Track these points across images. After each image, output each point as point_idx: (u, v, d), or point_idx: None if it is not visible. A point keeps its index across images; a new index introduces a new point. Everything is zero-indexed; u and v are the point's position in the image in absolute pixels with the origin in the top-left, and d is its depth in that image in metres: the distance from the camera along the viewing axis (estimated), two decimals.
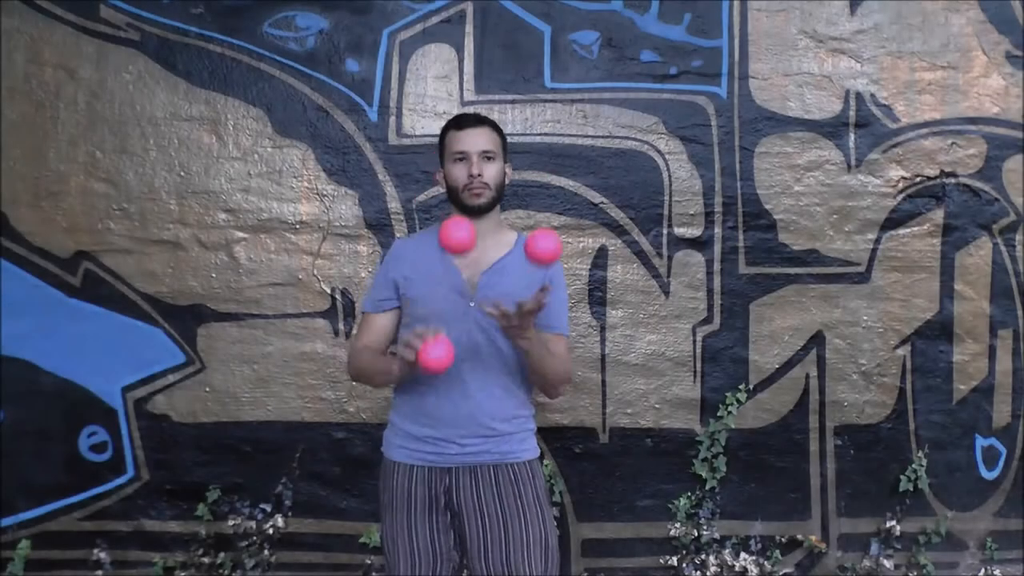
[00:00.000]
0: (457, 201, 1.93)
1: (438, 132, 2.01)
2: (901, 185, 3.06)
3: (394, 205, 2.98)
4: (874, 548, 3.07)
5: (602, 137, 3.01)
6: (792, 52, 3.04)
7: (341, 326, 2.97)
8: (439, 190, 1.97)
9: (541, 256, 1.70)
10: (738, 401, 3.00)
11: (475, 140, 1.90)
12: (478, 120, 1.95)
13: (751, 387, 3.03)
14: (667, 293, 3.02)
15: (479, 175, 1.88)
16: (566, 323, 1.97)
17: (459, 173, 1.90)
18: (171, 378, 2.96)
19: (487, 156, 1.91)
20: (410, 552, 1.88)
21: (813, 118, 3.04)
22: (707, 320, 3.03)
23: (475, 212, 1.91)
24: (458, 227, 1.70)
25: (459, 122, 1.95)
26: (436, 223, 2.07)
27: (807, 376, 3.05)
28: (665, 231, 3.02)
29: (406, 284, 1.93)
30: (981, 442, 3.09)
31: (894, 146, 3.06)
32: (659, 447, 3.02)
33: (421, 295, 1.91)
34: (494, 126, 1.96)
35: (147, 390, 2.95)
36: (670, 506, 3.02)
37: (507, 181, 1.99)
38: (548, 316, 1.90)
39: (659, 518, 3.02)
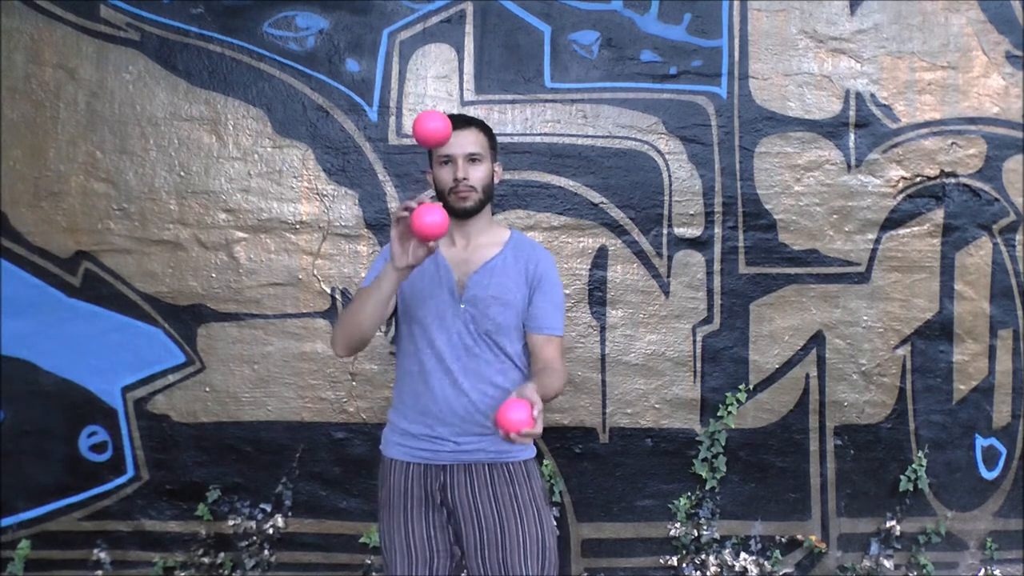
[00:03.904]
0: (445, 203, 1.92)
1: None
2: (901, 185, 3.06)
3: (394, 205, 2.98)
4: (874, 548, 3.07)
5: (602, 137, 3.01)
6: (792, 52, 3.04)
7: None
8: (434, 191, 1.96)
9: (507, 428, 1.58)
10: (738, 401, 3.00)
11: (461, 142, 1.88)
12: (464, 121, 1.92)
13: (751, 387, 3.03)
14: (667, 293, 3.02)
15: (464, 178, 1.87)
16: (559, 324, 1.94)
17: (445, 176, 1.89)
18: (171, 378, 2.96)
19: (473, 158, 1.89)
20: (406, 549, 1.89)
21: (813, 118, 3.04)
22: (707, 320, 3.03)
23: (462, 215, 1.91)
24: (430, 211, 1.62)
25: None
26: None
27: (807, 376, 3.05)
28: (665, 231, 3.02)
29: None
30: (981, 442, 3.09)
31: (894, 146, 3.06)
32: (659, 447, 3.03)
33: (413, 294, 1.91)
34: (482, 126, 1.95)
35: (147, 390, 2.95)
36: (670, 506, 3.02)
37: (496, 181, 1.98)
38: (538, 316, 1.90)
39: (659, 518, 3.03)
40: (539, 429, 1.54)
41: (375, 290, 1.78)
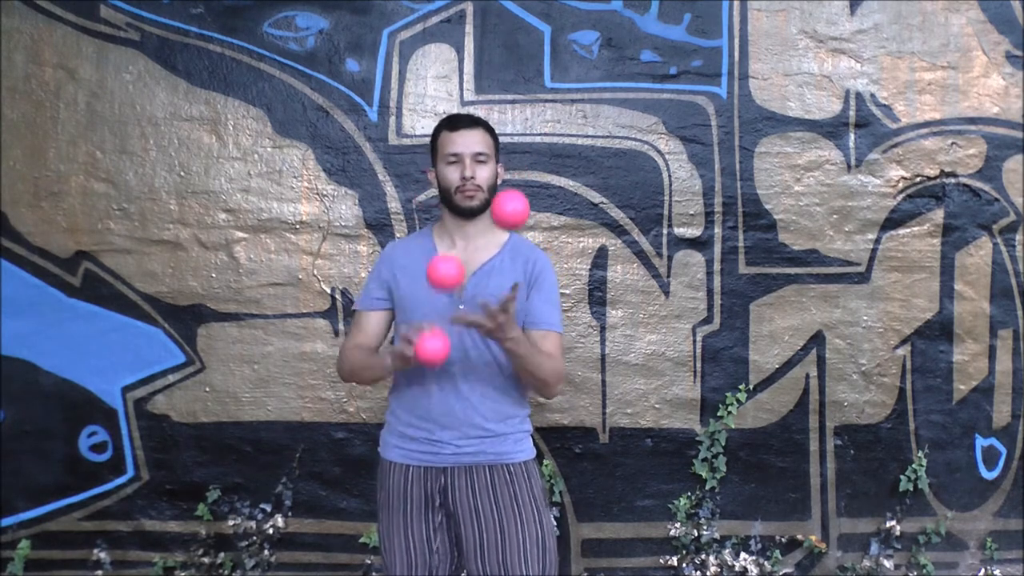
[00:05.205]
0: (449, 202, 1.93)
1: None
2: (901, 185, 3.06)
3: (394, 205, 2.98)
4: (874, 548, 3.07)
5: (602, 137, 3.01)
6: (792, 52, 3.04)
7: (341, 326, 2.97)
8: (437, 190, 1.97)
9: (507, 219, 1.68)
10: (738, 401, 3.00)
11: (468, 142, 1.90)
12: (472, 121, 1.94)
13: (751, 387, 3.03)
14: (667, 293, 3.02)
15: (472, 177, 1.88)
16: (557, 320, 1.94)
17: (452, 175, 1.90)
18: (171, 378, 2.96)
19: (480, 158, 1.91)
20: (406, 552, 1.89)
21: (813, 118, 3.04)
22: (707, 320, 3.03)
23: (467, 214, 1.92)
24: (431, 339, 1.68)
25: (452, 123, 1.94)
26: (429, 225, 2.07)
27: (807, 376, 3.05)
28: (665, 231, 3.02)
29: (397, 285, 1.94)
30: (981, 442, 3.09)
31: (894, 146, 3.06)
32: (659, 447, 3.03)
33: (411, 297, 1.91)
34: (487, 127, 1.96)
35: (147, 390, 2.95)
36: (670, 506, 3.02)
37: (499, 182, 1.98)
38: (535, 313, 1.90)
39: (659, 518, 3.03)
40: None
41: (375, 369, 1.90)
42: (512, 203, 1.68)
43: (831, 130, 3.04)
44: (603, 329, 3.01)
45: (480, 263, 1.92)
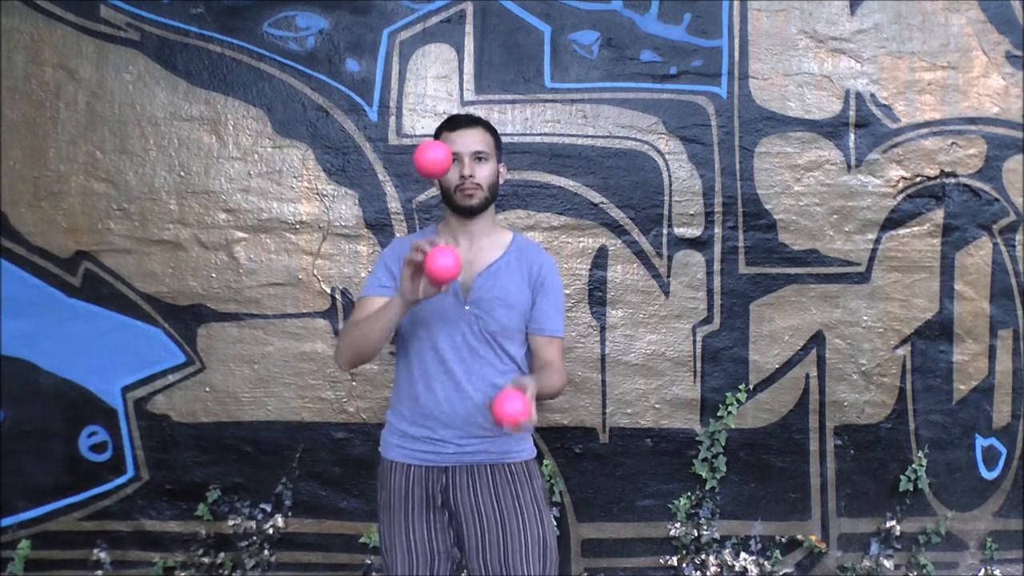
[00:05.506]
0: (450, 202, 1.93)
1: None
2: (901, 185, 3.06)
3: (394, 205, 2.98)
4: (874, 548, 3.07)
5: (602, 137, 3.01)
6: (792, 52, 3.04)
7: (341, 326, 2.96)
8: (439, 190, 1.98)
9: (505, 419, 1.56)
10: (738, 401, 3.00)
11: (467, 141, 1.90)
12: (471, 121, 1.94)
13: (751, 387, 3.03)
14: (667, 293, 3.02)
15: (471, 176, 1.88)
16: (560, 326, 1.96)
17: (451, 174, 1.89)
18: (171, 378, 2.96)
19: (479, 157, 1.91)
20: (408, 551, 1.89)
21: (813, 118, 3.04)
22: (707, 320, 3.03)
23: (467, 213, 1.92)
24: (442, 255, 1.62)
25: (452, 123, 1.95)
26: (434, 223, 2.07)
27: (807, 376, 3.05)
28: (665, 231, 3.02)
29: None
30: (981, 442, 3.09)
31: (894, 146, 3.06)
32: (659, 447, 3.03)
33: None
34: (487, 127, 1.96)
35: (147, 390, 2.95)
36: (670, 506, 3.02)
37: (501, 181, 1.98)
38: (541, 318, 1.92)
39: (659, 518, 3.03)
40: (534, 418, 1.58)
41: (383, 316, 1.78)
42: (511, 404, 1.58)
43: (831, 130, 3.04)
44: (603, 329, 3.01)
45: (486, 263, 1.92)
